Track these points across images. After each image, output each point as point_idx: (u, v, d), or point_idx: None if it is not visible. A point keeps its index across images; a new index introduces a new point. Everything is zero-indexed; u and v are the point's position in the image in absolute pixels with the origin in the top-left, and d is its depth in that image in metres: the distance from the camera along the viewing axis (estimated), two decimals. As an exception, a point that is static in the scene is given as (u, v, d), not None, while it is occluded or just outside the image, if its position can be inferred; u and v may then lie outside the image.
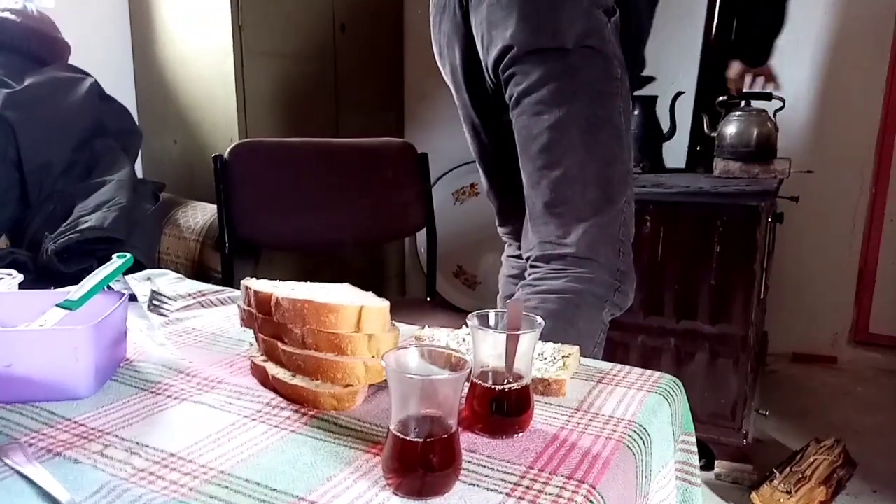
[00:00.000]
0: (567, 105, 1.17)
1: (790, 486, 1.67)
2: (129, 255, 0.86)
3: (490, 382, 0.66)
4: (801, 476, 1.71)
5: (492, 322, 0.68)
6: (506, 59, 1.20)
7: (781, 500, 1.65)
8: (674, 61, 2.51)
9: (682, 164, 2.39)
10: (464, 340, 0.84)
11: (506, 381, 0.65)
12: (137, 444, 0.62)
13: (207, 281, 1.30)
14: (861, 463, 1.87)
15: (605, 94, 1.20)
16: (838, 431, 1.96)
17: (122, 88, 2.32)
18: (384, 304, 0.74)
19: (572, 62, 1.17)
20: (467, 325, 0.86)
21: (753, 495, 1.70)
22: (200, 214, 1.90)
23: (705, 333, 1.83)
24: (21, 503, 0.53)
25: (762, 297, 1.96)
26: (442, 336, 0.86)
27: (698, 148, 2.31)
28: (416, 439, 0.55)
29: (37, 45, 1.93)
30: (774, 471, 1.75)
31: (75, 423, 0.66)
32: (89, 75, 1.95)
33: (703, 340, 1.83)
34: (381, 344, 0.72)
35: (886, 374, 2.54)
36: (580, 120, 1.18)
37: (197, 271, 1.80)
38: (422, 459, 0.54)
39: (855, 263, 2.59)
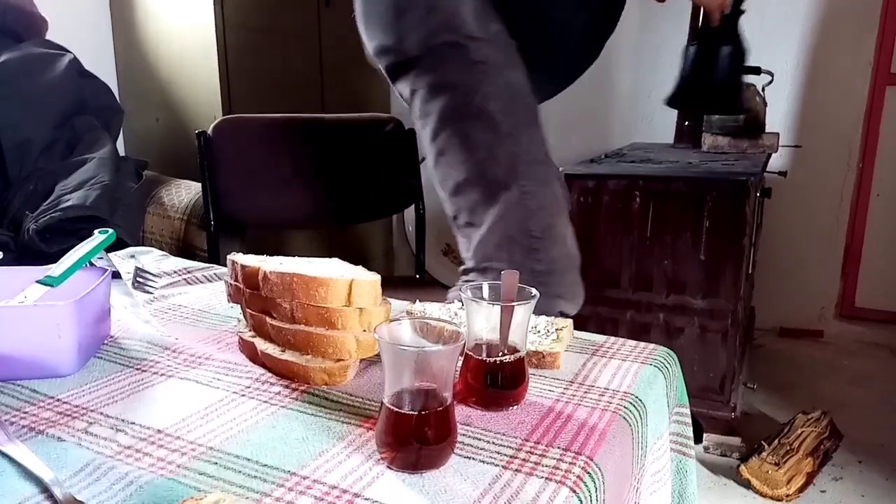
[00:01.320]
0: (432, 114, 1.11)
1: (778, 457, 1.69)
2: (111, 231, 0.84)
3: (484, 355, 0.65)
4: (788, 448, 1.72)
5: (486, 294, 0.67)
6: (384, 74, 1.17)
7: (770, 472, 1.66)
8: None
9: (671, 140, 2.38)
10: (455, 315, 0.83)
11: (500, 354, 0.64)
12: (123, 421, 0.61)
13: (193, 259, 1.28)
14: (847, 435, 1.89)
15: (468, 87, 1.09)
16: (824, 404, 1.98)
17: (102, 65, 2.27)
18: (375, 277, 0.72)
19: (424, 68, 1.10)
20: (459, 301, 0.85)
21: (742, 467, 1.71)
22: (185, 192, 1.87)
23: (694, 308, 1.83)
24: (3, 483, 0.51)
25: (750, 271, 1.96)
26: (433, 310, 0.85)
27: (686, 123, 2.30)
28: (410, 412, 0.53)
29: (12, 20, 1.88)
30: (763, 443, 1.76)
31: (58, 400, 0.65)
32: (68, 51, 1.90)
33: (692, 315, 1.84)
34: (372, 318, 0.70)
35: (872, 347, 2.56)
36: (445, 125, 1.10)
37: (182, 250, 1.77)
38: (416, 433, 0.53)
39: (842, 238, 2.61)
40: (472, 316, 0.66)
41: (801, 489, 1.67)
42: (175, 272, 1.08)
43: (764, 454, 1.71)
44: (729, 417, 1.85)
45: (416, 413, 0.53)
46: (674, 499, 0.78)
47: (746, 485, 1.70)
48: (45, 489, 0.50)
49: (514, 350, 0.65)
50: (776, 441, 1.76)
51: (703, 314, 1.83)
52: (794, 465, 1.68)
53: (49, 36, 1.97)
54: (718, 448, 1.86)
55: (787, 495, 1.64)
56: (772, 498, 1.66)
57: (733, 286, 1.80)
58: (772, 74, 2.10)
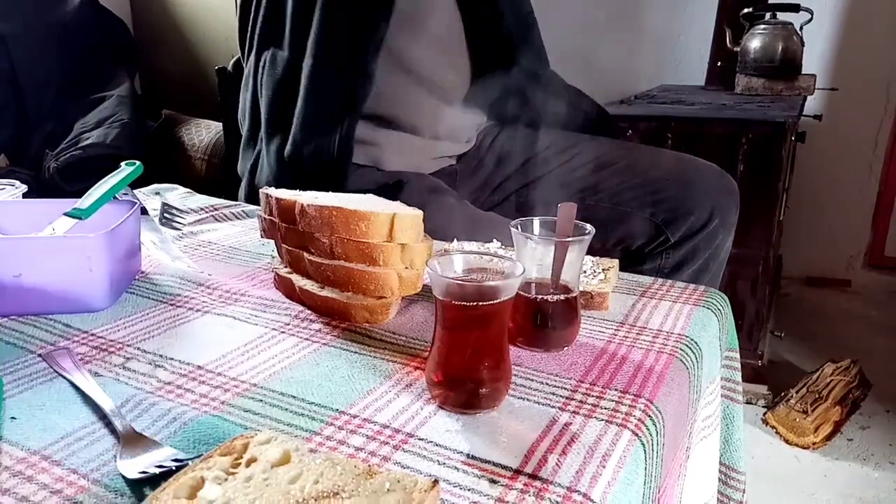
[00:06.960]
0: None
1: (806, 405, 1.67)
2: (138, 163, 0.81)
3: (533, 294, 0.62)
4: (817, 396, 1.70)
5: (536, 230, 0.63)
6: None
7: (797, 420, 1.64)
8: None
9: (701, 82, 2.31)
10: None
11: (551, 293, 0.61)
12: (161, 356, 0.59)
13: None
14: (875, 384, 1.86)
15: None
16: (851, 354, 1.94)
17: (117, 3, 2.21)
18: (417, 212, 0.69)
19: None
20: (497, 240, 0.81)
21: (769, 415, 1.70)
22: (205, 132, 1.83)
23: (725, 254, 1.79)
24: (69, 408, 0.50)
25: (781, 218, 1.91)
26: (473, 249, 0.81)
27: (719, 63, 2.22)
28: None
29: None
30: (791, 391, 1.74)
31: (93, 335, 0.62)
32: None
33: (723, 261, 1.80)
34: (414, 254, 0.67)
35: (900, 297, 2.52)
36: None
37: (204, 190, 1.74)
38: (470, 372, 0.51)
39: (875, 185, 2.53)
40: (521, 252, 0.62)
41: (828, 437, 1.65)
42: (202, 209, 1.05)
43: (792, 402, 1.69)
44: (756, 365, 1.83)
45: (469, 351, 0.51)
46: (720, 444, 0.76)
47: (772, 432, 1.68)
48: (102, 417, 0.49)
49: (566, 289, 0.62)
50: (804, 389, 1.74)
51: (733, 261, 1.78)
52: (822, 413, 1.66)
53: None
54: (744, 396, 1.84)
55: (814, 443, 1.63)
56: (798, 445, 1.64)
57: (765, 233, 1.75)
58: (811, 12, 2.01)
